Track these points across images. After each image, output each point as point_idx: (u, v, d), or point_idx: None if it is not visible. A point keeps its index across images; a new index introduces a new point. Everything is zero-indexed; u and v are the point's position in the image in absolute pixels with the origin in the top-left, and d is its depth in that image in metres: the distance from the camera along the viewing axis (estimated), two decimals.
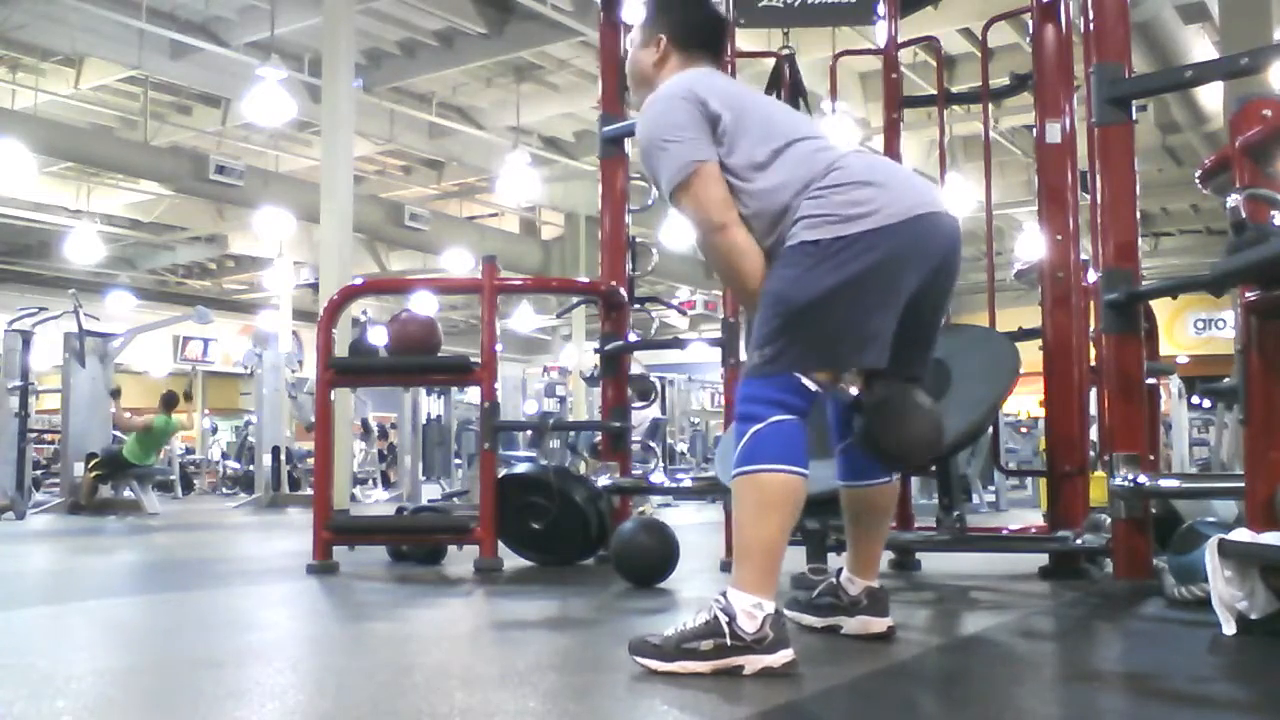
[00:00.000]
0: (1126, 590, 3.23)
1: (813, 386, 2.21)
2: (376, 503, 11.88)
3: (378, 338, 4.92)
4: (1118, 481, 3.27)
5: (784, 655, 2.08)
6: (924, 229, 2.25)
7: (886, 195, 2.22)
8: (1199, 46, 11.59)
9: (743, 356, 2.69)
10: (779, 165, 2.27)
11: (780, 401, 2.18)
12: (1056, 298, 3.93)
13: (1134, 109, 3.42)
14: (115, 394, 10.34)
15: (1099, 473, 3.82)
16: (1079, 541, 3.60)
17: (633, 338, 4.78)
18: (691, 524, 6.93)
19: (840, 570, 2.56)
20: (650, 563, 3.62)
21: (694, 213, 2.29)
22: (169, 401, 10.50)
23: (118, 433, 10.43)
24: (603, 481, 4.43)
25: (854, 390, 2.33)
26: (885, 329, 2.22)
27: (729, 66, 4.03)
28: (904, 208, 2.22)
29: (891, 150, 4.44)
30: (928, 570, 4.08)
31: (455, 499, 9.36)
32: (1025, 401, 12.96)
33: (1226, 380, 7.10)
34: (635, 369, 4.80)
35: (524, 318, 22.22)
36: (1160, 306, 4.22)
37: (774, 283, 2.24)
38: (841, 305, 2.18)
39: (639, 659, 2.12)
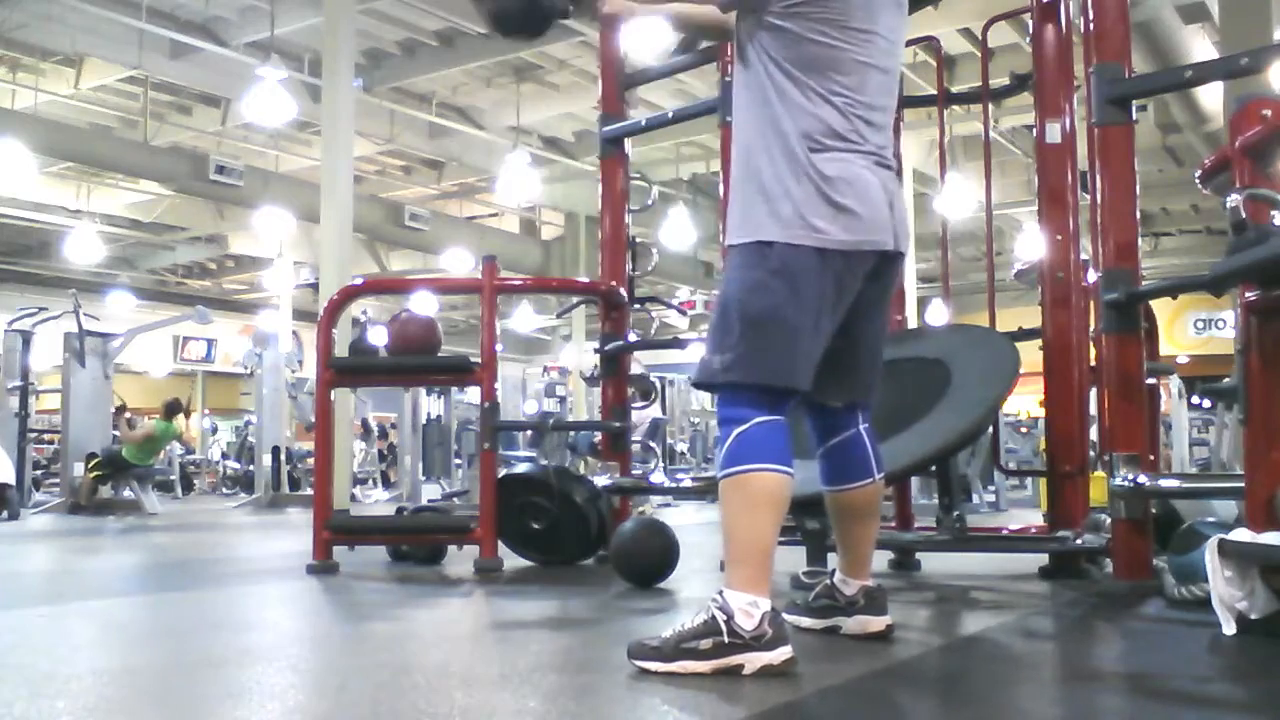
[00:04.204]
0: (1126, 590, 3.23)
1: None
2: (376, 503, 11.87)
3: (378, 338, 4.92)
4: (1118, 481, 3.27)
5: (783, 652, 2.08)
6: (874, 264, 2.30)
7: (856, 222, 2.23)
8: (1199, 46, 11.58)
9: None
10: (832, 99, 2.26)
11: (762, 402, 2.19)
12: (1056, 298, 3.93)
13: (1134, 109, 3.42)
14: (120, 410, 10.35)
15: (1099, 473, 3.82)
16: (1079, 541, 3.60)
17: (633, 338, 4.78)
18: (691, 524, 6.92)
19: (834, 571, 2.56)
20: (650, 563, 3.62)
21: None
22: (171, 409, 10.51)
23: (117, 433, 10.45)
24: (603, 481, 4.43)
25: None
26: (817, 350, 2.25)
27: (724, 69, 4.03)
28: (858, 240, 2.24)
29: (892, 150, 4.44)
30: (928, 570, 4.08)
31: (455, 499, 9.36)
32: (1025, 401, 12.96)
33: (1226, 380, 7.10)
34: (635, 369, 4.80)
35: (524, 318, 22.23)
36: (1160, 306, 4.22)
37: (734, 285, 2.27)
38: (790, 321, 2.20)
39: (638, 662, 2.12)
